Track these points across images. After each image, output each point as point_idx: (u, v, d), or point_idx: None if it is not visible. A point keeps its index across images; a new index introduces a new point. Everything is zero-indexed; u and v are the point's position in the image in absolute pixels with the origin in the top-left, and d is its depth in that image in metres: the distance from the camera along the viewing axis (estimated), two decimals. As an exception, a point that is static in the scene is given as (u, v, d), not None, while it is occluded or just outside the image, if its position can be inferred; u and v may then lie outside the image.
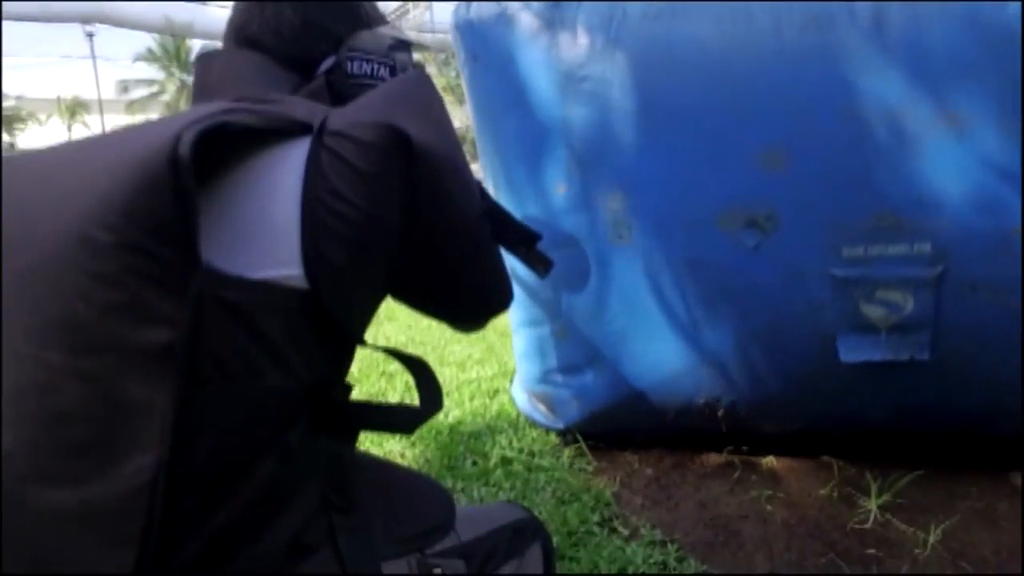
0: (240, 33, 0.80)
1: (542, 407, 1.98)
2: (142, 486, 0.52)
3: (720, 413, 1.73)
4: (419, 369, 0.76)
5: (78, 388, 0.53)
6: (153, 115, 30.41)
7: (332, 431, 0.69)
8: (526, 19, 1.72)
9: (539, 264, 0.91)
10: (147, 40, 29.36)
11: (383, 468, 0.89)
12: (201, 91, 0.77)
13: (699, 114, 1.56)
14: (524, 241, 0.89)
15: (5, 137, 31.25)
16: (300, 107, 0.68)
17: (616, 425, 1.88)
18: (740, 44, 1.55)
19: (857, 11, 1.47)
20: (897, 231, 1.45)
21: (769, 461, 1.83)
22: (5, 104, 31.11)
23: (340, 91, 0.79)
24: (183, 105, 28.77)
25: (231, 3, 0.85)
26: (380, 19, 0.87)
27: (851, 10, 1.48)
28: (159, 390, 0.53)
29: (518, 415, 2.17)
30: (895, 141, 1.44)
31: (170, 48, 29.20)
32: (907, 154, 1.43)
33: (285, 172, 0.62)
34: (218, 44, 0.85)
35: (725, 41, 1.56)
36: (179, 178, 0.52)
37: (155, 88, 30.96)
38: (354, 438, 0.76)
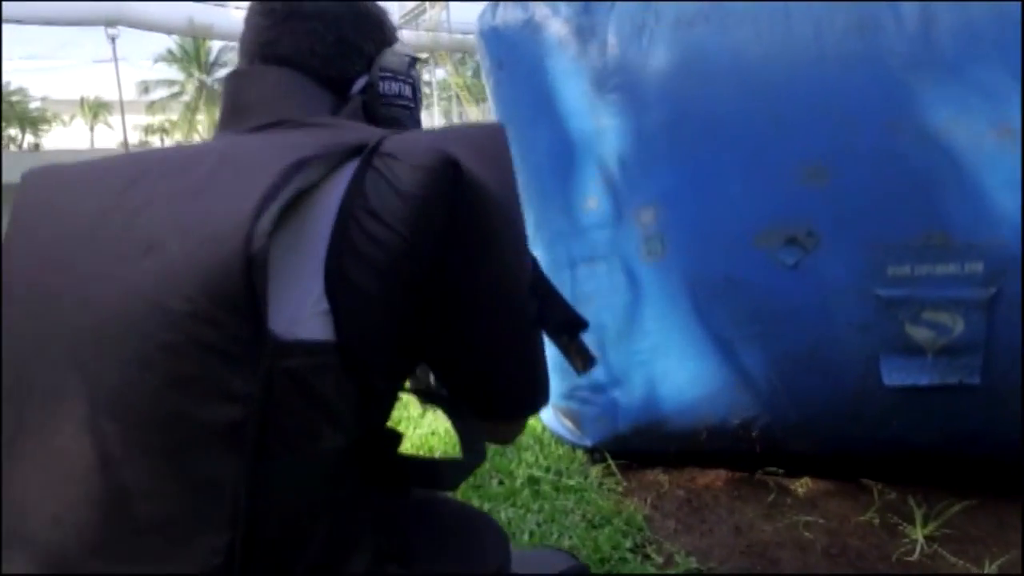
0: (267, 50, 0.75)
1: (568, 423, 1.93)
2: (215, 569, 0.50)
3: (755, 434, 1.67)
4: (459, 415, 0.71)
5: (145, 463, 0.51)
6: (172, 115, 30.95)
7: (382, 483, 0.66)
8: (554, 25, 1.66)
9: (579, 357, 0.78)
10: (167, 42, 29.71)
11: (439, 506, 0.84)
12: (235, 112, 0.72)
13: (736, 125, 1.50)
14: (569, 327, 0.78)
15: (30, 138, 31.80)
16: (351, 131, 0.65)
17: (646, 445, 1.82)
18: (779, 50, 1.48)
19: (903, 14, 1.40)
20: (947, 250, 1.38)
21: (804, 483, 1.76)
22: (32, 106, 31.66)
23: (372, 111, 0.75)
24: (202, 106, 29.00)
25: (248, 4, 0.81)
26: (395, 35, 0.84)
27: (897, 13, 1.41)
28: (229, 468, 0.51)
29: (544, 429, 2.12)
30: (945, 154, 1.37)
31: (190, 49, 29.43)
32: (957, 168, 1.36)
33: (329, 195, 0.59)
34: (237, 45, 0.81)
35: (763, 47, 1.49)
36: (254, 257, 0.51)
37: (175, 89, 31.26)
38: (405, 489, 0.72)
